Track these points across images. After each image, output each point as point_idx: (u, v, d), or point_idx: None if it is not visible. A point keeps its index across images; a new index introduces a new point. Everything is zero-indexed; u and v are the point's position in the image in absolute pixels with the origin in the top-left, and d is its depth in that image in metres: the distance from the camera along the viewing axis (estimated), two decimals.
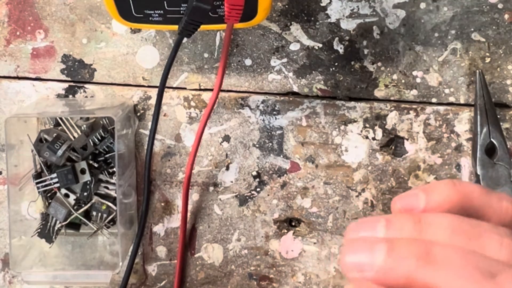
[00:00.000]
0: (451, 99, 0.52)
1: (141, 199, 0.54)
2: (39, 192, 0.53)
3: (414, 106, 0.52)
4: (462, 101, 0.52)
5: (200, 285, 0.56)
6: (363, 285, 0.23)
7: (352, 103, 0.53)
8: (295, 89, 0.53)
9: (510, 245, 0.23)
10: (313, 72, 0.53)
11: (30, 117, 0.54)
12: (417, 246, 0.23)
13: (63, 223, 0.53)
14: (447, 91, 0.52)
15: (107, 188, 0.54)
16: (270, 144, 0.54)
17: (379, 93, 0.53)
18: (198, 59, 0.53)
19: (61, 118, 0.53)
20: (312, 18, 0.52)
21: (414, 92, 0.52)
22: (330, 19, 0.52)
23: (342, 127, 0.53)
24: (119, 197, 0.50)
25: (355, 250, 0.24)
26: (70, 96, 0.54)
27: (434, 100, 0.52)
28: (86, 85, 0.54)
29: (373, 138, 0.53)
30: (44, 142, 0.52)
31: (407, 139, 0.53)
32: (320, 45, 0.52)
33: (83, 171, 0.52)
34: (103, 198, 0.53)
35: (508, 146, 0.50)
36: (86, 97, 0.54)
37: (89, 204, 0.53)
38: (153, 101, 0.54)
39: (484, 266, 0.22)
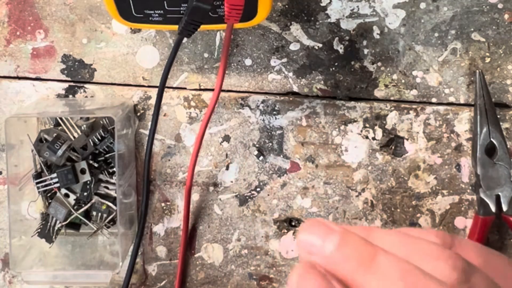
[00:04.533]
0: (451, 99, 0.52)
1: (141, 199, 0.54)
2: (39, 192, 0.53)
3: (414, 106, 0.52)
4: (462, 101, 0.52)
5: (200, 285, 0.56)
6: (308, 269, 0.24)
7: (352, 103, 0.53)
8: (295, 89, 0.53)
9: (454, 266, 0.23)
10: (313, 72, 0.53)
11: (30, 117, 0.54)
12: (365, 248, 0.23)
13: (63, 223, 0.53)
14: (447, 91, 0.52)
15: (107, 188, 0.54)
16: (270, 144, 0.54)
17: (379, 93, 0.53)
18: (198, 59, 0.53)
19: (61, 118, 0.53)
20: (312, 18, 0.52)
21: (414, 92, 0.52)
22: (330, 19, 0.52)
23: (342, 127, 0.53)
24: (119, 197, 0.50)
25: (311, 230, 0.24)
26: (70, 96, 0.54)
27: (434, 100, 0.52)
28: (86, 85, 0.54)
29: (373, 138, 0.53)
30: (44, 142, 0.52)
31: (407, 139, 0.53)
32: (320, 45, 0.52)
33: (83, 171, 0.52)
34: (103, 198, 0.53)
35: (508, 146, 0.50)
36: (86, 97, 0.54)
37: (89, 204, 0.53)
38: (153, 101, 0.54)
39: (421, 284, 0.22)
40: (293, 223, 0.55)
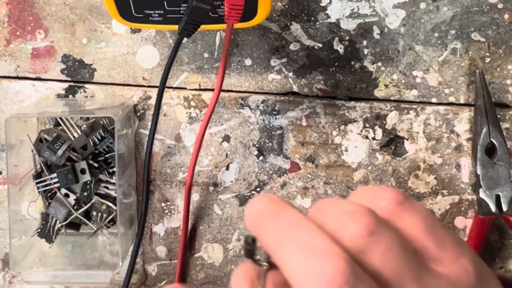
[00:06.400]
0: (451, 99, 0.52)
1: (141, 199, 0.54)
2: (39, 192, 0.54)
3: (414, 106, 0.52)
4: (462, 101, 0.52)
5: (200, 285, 0.56)
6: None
7: (352, 103, 0.53)
8: (295, 89, 0.53)
9: (357, 220, 0.23)
10: (313, 72, 0.53)
11: (30, 117, 0.54)
12: (275, 205, 0.25)
13: (63, 223, 0.53)
14: (447, 91, 0.52)
15: (107, 188, 0.54)
16: (270, 144, 0.54)
17: (379, 93, 0.53)
18: (198, 59, 0.53)
19: (61, 118, 0.53)
20: (312, 18, 0.52)
21: (414, 92, 0.52)
22: (330, 19, 0.52)
23: (342, 127, 0.53)
24: (119, 197, 0.50)
25: (253, 199, 0.27)
26: (70, 96, 0.54)
27: (434, 100, 0.52)
28: (86, 85, 0.54)
29: (373, 138, 0.53)
30: (44, 142, 0.52)
31: (407, 139, 0.53)
32: (320, 45, 0.52)
33: (83, 171, 0.52)
34: (103, 198, 0.53)
35: (508, 146, 0.50)
36: (86, 97, 0.54)
37: (89, 204, 0.53)
38: (153, 101, 0.54)
39: (306, 236, 0.23)
40: None
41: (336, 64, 0.52)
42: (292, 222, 0.24)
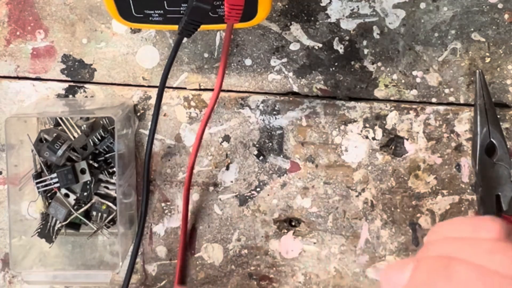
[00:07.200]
0: (451, 99, 0.52)
1: (141, 199, 0.54)
2: (39, 192, 0.54)
3: (414, 106, 0.52)
4: (462, 101, 0.52)
5: (200, 285, 0.56)
6: None
7: (352, 103, 0.53)
8: (295, 89, 0.53)
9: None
10: (313, 72, 0.53)
11: (30, 117, 0.54)
12: (437, 261, 0.26)
13: (63, 223, 0.53)
14: (447, 91, 0.52)
15: (107, 188, 0.54)
16: (270, 144, 0.54)
17: (379, 93, 0.53)
18: (198, 59, 0.53)
19: (61, 118, 0.53)
20: (312, 18, 0.52)
21: (414, 92, 0.52)
22: (330, 19, 0.52)
23: (342, 127, 0.53)
24: (119, 197, 0.50)
25: (390, 268, 0.28)
26: (70, 96, 0.54)
27: (434, 100, 0.52)
28: (86, 85, 0.54)
29: (373, 138, 0.53)
30: (44, 142, 0.52)
31: (407, 139, 0.53)
32: (320, 45, 0.52)
33: (83, 171, 0.52)
34: (103, 198, 0.53)
35: (508, 146, 0.50)
36: (86, 97, 0.54)
37: (89, 204, 0.53)
38: (153, 101, 0.54)
39: (493, 283, 0.23)
40: (293, 223, 0.55)
41: (336, 64, 0.52)
42: (469, 273, 0.24)
